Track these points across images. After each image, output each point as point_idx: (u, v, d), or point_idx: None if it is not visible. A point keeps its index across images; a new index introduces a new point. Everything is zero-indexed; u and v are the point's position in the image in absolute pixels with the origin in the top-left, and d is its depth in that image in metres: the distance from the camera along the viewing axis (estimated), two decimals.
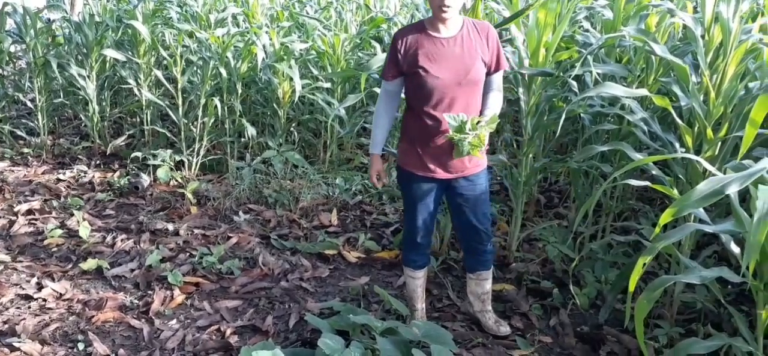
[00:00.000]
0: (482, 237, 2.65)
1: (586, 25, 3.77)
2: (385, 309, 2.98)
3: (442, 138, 2.40)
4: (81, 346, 2.61)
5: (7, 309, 2.90)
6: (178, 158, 4.77)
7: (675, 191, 2.20)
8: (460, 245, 2.86)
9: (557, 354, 2.70)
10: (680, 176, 2.65)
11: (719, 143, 2.53)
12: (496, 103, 2.50)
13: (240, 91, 4.75)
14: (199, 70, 4.78)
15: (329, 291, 3.21)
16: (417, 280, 2.78)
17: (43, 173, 4.82)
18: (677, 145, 2.70)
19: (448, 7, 2.28)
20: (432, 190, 2.56)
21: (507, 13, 3.35)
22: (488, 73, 2.47)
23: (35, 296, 3.01)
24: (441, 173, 2.49)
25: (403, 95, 2.59)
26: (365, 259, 3.57)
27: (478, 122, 2.27)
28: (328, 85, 4.81)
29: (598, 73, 3.24)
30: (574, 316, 2.98)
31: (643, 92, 2.47)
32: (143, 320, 2.85)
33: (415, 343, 2.35)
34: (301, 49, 4.76)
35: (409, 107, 2.53)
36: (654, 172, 2.63)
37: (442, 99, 2.37)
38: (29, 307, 2.93)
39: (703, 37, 2.60)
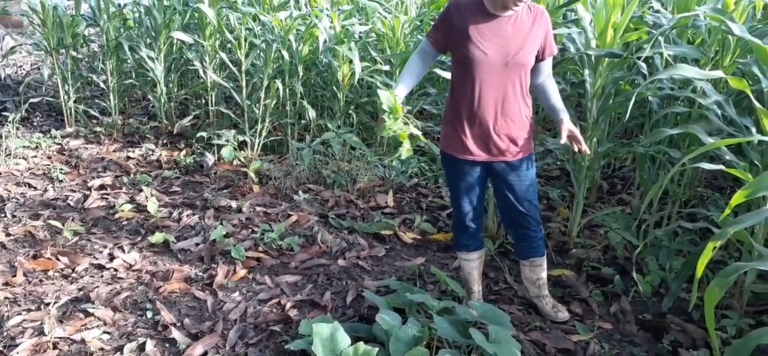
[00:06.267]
0: (529, 223, 2.59)
1: (657, 5, 3.63)
2: (440, 289, 2.98)
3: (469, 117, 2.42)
4: (149, 314, 2.74)
5: (82, 277, 3.06)
6: (241, 139, 4.90)
7: (750, 177, 2.10)
8: (508, 231, 2.81)
9: (618, 340, 2.64)
10: (756, 161, 2.52)
11: None
12: (558, 97, 2.50)
13: (301, 73, 4.83)
14: (262, 53, 4.88)
15: (385, 270, 3.24)
16: (471, 263, 2.77)
17: (114, 151, 5.05)
18: (753, 130, 2.57)
19: (520, 3, 2.26)
20: (475, 173, 2.53)
21: None
22: (538, 59, 2.42)
23: (107, 266, 3.16)
24: (483, 156, 2.46)
25: (449, 76, 2.56)
26: (421, 240, 3.58)
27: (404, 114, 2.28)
28: (386, 67, 4.82)
29: (669, 55, 3.11)
30: (635, 304, 2.90)
31: (719, 73, 2.35)
32: (207, 292, 2.96)
33: (472, 323, 2.34)
34: (360, 32, 4.78)
35: (451, 88, 2.50)
36: (727, 157, 2.51)
37: (487, 78, 2.34)
38: (102, 276, 3.08)
39: None
